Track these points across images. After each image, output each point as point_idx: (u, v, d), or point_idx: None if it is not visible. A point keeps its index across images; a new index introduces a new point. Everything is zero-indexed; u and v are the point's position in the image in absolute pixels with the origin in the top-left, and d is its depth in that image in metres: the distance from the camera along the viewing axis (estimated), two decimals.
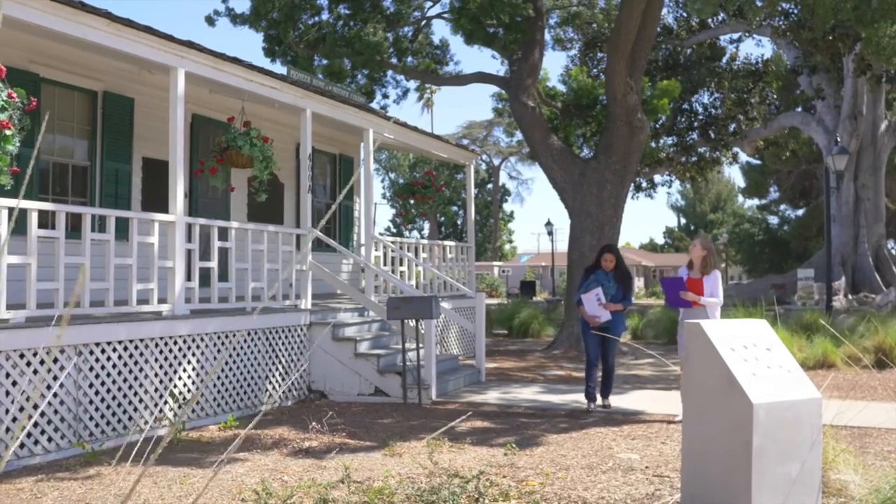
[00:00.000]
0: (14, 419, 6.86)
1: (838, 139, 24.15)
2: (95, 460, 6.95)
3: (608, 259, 9.51)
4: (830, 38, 22.89)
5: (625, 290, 9.49)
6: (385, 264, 13.45)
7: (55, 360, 7.27)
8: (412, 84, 26.24)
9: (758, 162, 41.89)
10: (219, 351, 9.18)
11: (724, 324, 5.13)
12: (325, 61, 21.28)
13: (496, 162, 63.51)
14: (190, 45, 9.01)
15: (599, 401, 9.63)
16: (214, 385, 9.09)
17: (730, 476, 4.67)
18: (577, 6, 26.20)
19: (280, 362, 10.18)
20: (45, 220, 7.93)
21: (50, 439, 7.15)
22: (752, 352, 4.92)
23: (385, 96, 23.50)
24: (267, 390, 9.89)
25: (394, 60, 21.23)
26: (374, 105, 20.53)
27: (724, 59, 29.95)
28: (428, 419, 8.98)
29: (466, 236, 21.44)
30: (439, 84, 28.16)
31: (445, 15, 20.77)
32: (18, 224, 7.83)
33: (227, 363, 9.29)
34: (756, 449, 4.53)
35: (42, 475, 6.46)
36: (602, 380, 9.64)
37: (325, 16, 20.94)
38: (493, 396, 10.59)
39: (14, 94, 6.99)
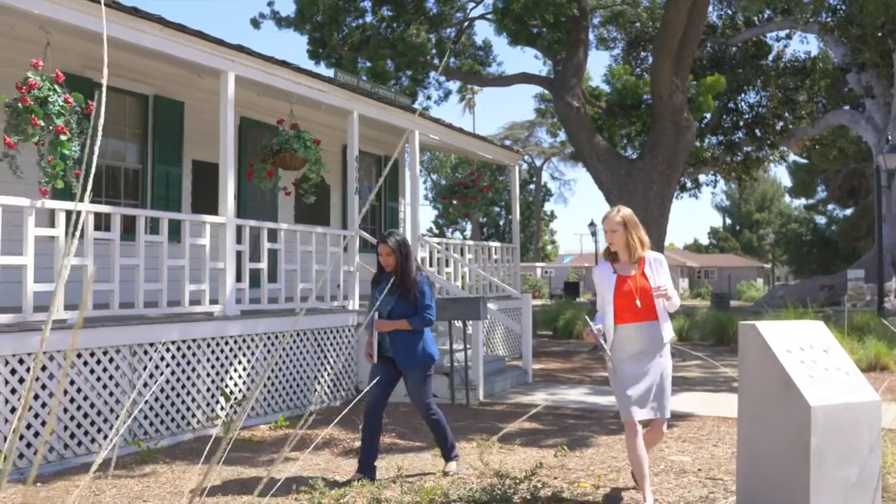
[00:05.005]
0: (72, 417, 7.00)
1: (889, 137, 23.67)
2: (151, 458, 7.06)
3: (379, 252, 6.41)
4: (880, 34, 22.51)
5: (407, 300, 6.30)
6: (431, 265, 13.48)
7: (111, 360, 7.40)
8: (454, 85, 26.33)
9: (805, 161, 41.30)
10: (269, 351, 9.27)
11: (780, 325, 5.07)
12: (368, 63, 21.41)
13: (538, 162, 63.33)
14: (240, 48, 9.12)
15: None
16: (265, 385, 9.18)
17: (787, 479, 4.62)
18: (621, 5, 26.06)
19: (329, 363, 10.25)
20: (100, 222, 8.09)
21: (106, 437, 7.28)
22: (809, 353, 4.87)
23: (427, 97, 23.62)
24: (316, 390, 9.97)
25: (436, 62, 21.28)
26: (416, 106, 20.60)
27: (771, 57, 29.56)
28: (476, 420, 8.99)
29: (509, 237, 21.41)
30: (483, 85, 28.21)
31: (489, 16, 20.79)
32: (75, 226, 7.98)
33: (276, 363, 9.38)
34: (814, 452, 4.48)
35: (99, 473, 6.58)
36: (435, 437, 6.64)
37: (368, 18, 21.08)
38: (540, 397, 10.57)
39: (71, 99, 7.14)
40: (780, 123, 28.77)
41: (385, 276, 6.39)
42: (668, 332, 5.46)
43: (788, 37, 30.04)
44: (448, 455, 6.53)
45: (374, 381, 6.19)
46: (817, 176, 43.96)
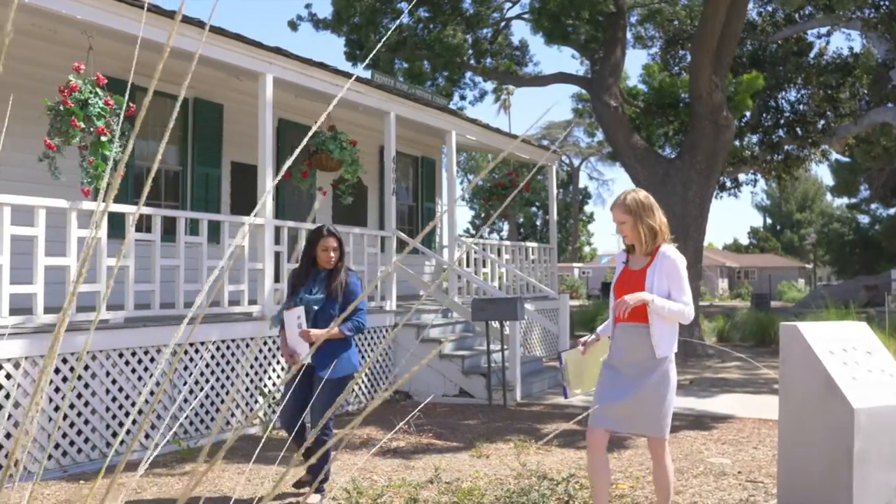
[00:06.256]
0: (114, 416, 7.09)
1: None
2: (191, 457, 7.13)
3: (325, 247, 5.75)
4: None
5: (333, 299, 5.74)
6: (468, 265, 13.48)
7: (152, 360, 7.49)
8: (490, 85, 26.26)
9: (847, 159, 40.62)
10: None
11: (823, 326, 4.99)
12: (405, 64, 21.45)
13: (576, 163, 63.04)
14: (278, 51, 9.19)
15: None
16: None
17: (829, 482, 4.55)
18: (659, 3, 25.84)
19: (365, 363, 10.28)
20: (141, 223, 8.20)
21: (147, 436, 7.38)
22: (852, 355, 4.79)
23: (462, 98, 23.57)
24: (353, 391, 10.00)
25: (473, 62, 21.27)
26: (451, 106, 20.60)
27: (812, 54, 29.12)
28: (513, 420, 8.97)
29: (546, 237, 21.35)
30: (519, 85, 28.12)
31: (525, 15, 20.73)
32: (116, 227, 8.10)
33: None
34: (857, 455, 4.41)
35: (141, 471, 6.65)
36: (306, 456, 5.24)
37: (405, 19, 21.11)
38: (577, 399, 10.49)
39: (111, 102, 7.24)
40: (822, 121, 28.33)
41: (308, 266, 5.83)
42: (663, 343, 4.45)
43: (829, 34, 29.60)
44: (313, 476, 5.74)
45: (291, 398, 5.62)
46: (860, 174, 43.19)
